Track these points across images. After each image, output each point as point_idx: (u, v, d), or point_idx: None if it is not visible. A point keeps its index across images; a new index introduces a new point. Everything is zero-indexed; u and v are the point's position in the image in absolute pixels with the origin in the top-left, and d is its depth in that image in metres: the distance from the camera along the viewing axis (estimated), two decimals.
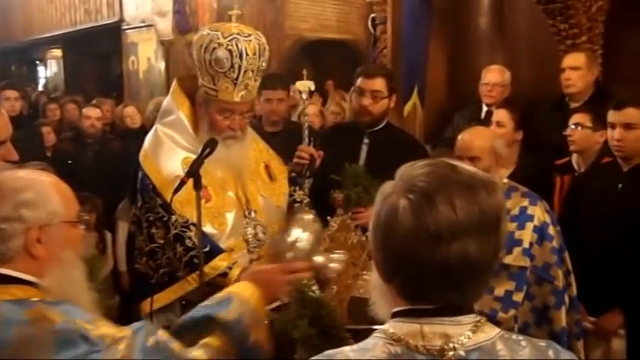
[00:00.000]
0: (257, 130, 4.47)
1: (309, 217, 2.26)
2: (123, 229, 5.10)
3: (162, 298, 2.57)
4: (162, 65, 10.32)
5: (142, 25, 10.53)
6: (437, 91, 5.94)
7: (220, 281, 2.42)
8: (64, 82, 14.15)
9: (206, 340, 1.72)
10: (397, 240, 1.17)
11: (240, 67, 2.51)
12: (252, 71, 2.56)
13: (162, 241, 2.59)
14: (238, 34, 2.53)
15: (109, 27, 11.47)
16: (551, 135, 4.15)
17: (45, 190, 1.64)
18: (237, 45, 2.49)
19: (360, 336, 1.78)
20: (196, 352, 1.66)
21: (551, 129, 4.21)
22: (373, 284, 1.33)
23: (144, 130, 2.66)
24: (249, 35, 2.56)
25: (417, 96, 5.51)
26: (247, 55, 2.51)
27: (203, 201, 2.37)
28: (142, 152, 2.68)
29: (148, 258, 2.63)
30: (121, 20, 11.08)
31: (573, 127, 3.70)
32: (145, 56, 10.73)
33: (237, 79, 2.53)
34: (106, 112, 7.12)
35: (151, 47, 10.49)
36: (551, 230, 2.97)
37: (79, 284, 1.69)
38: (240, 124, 2.65)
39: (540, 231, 2.94)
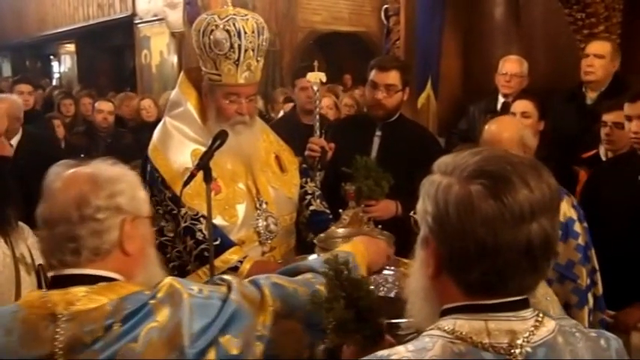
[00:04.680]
0: (292, 122, 4.42)
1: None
2: None
3: None
4: (174, 58, 10.34)
5: (154, 18, 10.56)
6: (451, 82, 5.86)
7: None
8: (78, 77, 14.24)
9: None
10: (478, 226, 1.12)
11: (240, 46, 2.48)
12: (253, 50, 2.53)
13: (171, 235, 2.58)
14: (234, 14, 2.51)
15: (121, 21, 11.54)
16: (567, 126, 4.07)
17: (134, 181, 1.59)
18: (234, 24, 2.48)
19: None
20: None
21: (566, 120, 4.13)
22: (415, 286, 1.28)
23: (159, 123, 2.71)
24: (246, 15, 2.55)
25: (430, 87, 5.45)
26: (245, 33, 2.49)
27: (213, 193, 2.34)
28: (150, 145, 2.67)
29: (158, 251, 2.60)
30: (134, 14, 11.13)
31: (612, 125, 3.49)
32: (158, 50, 10.75)
33: (238, 59, 2.51)
34: (132, 107, 7.27)
35: (164, 41, 10.51)
36: (577, 227, 2.84)
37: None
38: (247, 108, 2.61)
39: (565, 227, 2.80)
